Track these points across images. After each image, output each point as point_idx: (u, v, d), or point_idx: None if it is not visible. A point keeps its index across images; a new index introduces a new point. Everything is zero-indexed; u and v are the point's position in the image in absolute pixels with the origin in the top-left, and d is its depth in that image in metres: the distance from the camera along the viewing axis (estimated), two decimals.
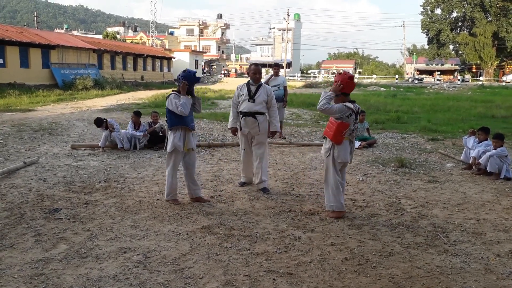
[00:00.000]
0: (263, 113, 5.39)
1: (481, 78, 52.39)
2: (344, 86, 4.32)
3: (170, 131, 4.75)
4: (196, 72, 4.87)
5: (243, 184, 5.64)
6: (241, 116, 5.38)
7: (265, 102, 5.36)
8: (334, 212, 4.43)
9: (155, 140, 8.06)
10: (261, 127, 5.34)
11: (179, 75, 4.73)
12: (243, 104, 5.36)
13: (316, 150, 8.12)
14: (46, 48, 24.63)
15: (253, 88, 5.38)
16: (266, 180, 5.44)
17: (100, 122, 8.08)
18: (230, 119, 5.53)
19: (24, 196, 4.96)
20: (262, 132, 5.37)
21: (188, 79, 4.67)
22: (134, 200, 4.94)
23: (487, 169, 6.25)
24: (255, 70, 5.40)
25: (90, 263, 3.31)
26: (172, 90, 4.82)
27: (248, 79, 5.51)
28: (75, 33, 62.80)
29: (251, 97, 5.32)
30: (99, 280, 3.05)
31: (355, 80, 4.49)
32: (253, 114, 5.30)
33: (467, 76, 56.95)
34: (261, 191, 5.37)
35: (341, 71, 4.58)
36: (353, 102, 4.39)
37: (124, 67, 33.44)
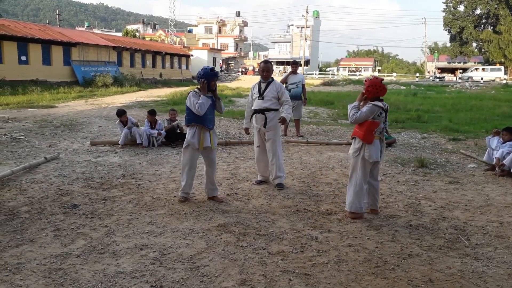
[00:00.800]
0: (273, 110, 5.40)
1: (505, 76, 51.01)
2: (377, 90, 4.25)
3: (188, 128, 4.78)
4: (213, 67, 4.83)
5: (259, 183, 5.62)
6: (253, 113, 5.53)
7: (275, 98, 5.40)
8: (352, 213, 4.36)
9: (173, 138, 8.11)
10: (270, 124, 5.37)
11: (198, 73, 4.72)
12: (254, 102, 5.50)
13: (334, 149, 8.04)
14: (67, 46, 25.12)
15: (263, 85, 5.47)
16: (281, 176, 5.43)
17: (122, 113, 8.21)
18: (245, 119, 5.76)
19: (45, 191, 5.05)
20: (272, 129, 5.39)
21: (206, 76, 4.64)
22: (152, 196, 4.97)
23: (511, 171, 6.07)
24: (263, 67, 5.49)
25: (107, 259, 3.34)
26: (198, 87, 4.79)
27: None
28: (95, 30, 63.78)
29: (261, 94, 5.42)
30: (115, 276, 3.07)
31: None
32: (262, 111, 5.39)
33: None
34: (276, 187, 5.38)
35: (367, 76, 4.53)
36: (381, 100, 4.32)
37: (143, 65, 33.82)
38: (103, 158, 6.92)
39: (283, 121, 5.33)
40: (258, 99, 5.42)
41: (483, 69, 49.45)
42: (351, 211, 4.36)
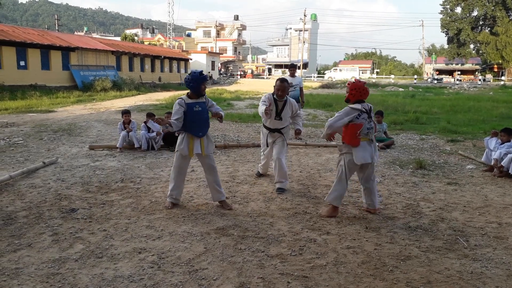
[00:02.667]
0: (287, 125, 5.62)
1: (503, 78, 51.17)
2: (361, 93, 4.36)
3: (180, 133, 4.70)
4: (201, 71, 4.66)
5: (260, 175, 6.11)
6: (268, 131, 5.59)
7: (290, 117, 5.53)
8: (330, 206, 4.53)
9: (171, 141, 8.09)
10: (285, 137, 5.60)
11: (186, 77, 4.56)
12: (270, 121, 5.49)
13: (333, 151, 8.04)
14: (66, 50, 25.12)
15: (280, 104, 5.41)
16: (283, 181, 5.46)
17: (125, 111, 8.50)
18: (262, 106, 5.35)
19: (43, 196, 5.05)
20: (284, 139, 5.60)
21: (195, 81, 4.48)
22: (150, 200, 4.96)
23: (509, 172, 6.07)
24: (278, 86, 5.33)
25: (106, 263, 3.34)
26: (187, 93, 4.66)
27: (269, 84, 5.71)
28: (94, 35, 63.89)
29: (278, 114, 5.41)
30: (113, 280, 3.06)
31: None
32: (279, 130, 5.53)
33: (488, 76, 55.70)
34: (276, 191, 5.40)
35: (352, 80, 4.58)
36: (361, 102, 4.39)
37: (142, 69, 33.84)
38: (102, 162, 6.91)
39: (299, 133, 5.50)
40: (275, 119, 5.40)
41: (340, 70, 61.30)
42: (330, 204, 4.51)
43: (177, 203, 4.74)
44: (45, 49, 23.52)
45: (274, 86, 5.45)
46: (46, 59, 23.75)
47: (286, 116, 5.43)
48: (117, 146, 7.87)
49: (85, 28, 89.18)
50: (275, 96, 5.39)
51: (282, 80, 5.40)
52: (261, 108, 5.20)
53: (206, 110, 4.63)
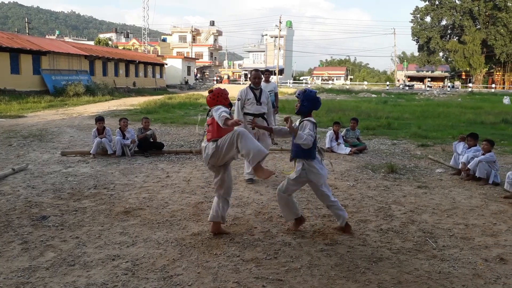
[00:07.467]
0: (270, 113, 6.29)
1: (470, 85, 53.09)
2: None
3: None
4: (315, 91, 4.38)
5: (252, 181, 6.12)
6: (251, 117, 5.84)
7: (266, 104, 6.17)
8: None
9: (146, 146, 8.02)
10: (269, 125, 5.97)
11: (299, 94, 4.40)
12: (251, 107, 6.03)
13: None
14: (37, 54, 24.47)
15: (257, 92, 6.10)
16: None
17: (99, 118, 8.30)
18: (237, 115, 5.98)
19: (12, 203, 4.90)
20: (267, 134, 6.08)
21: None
22: (124, 207, 4.90)
23: (475, 175, 6.31)
24: (255, 75, 6.13)
25: (78, 271, 3.28)
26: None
27: (248, 84, 6.27)
28: (66, 39, 62.43)
29: (258, 100, 6.05)
30: None
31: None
32: (262, 115, 6.11)
33: (457, 83, 57.70)
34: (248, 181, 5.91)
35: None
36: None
37: (116, 74, 33.34)
38: (74, 169, 6.77)
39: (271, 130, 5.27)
40: (257, 104, 6.07)
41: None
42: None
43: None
44: (15, 53, 22.86)
45: (249, 78, 6.26)
46: (16, 63, 23.07)
47: (265, 101, 6.12)
48: (91, 152, 7.72)
49: (57, 32, 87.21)
50: (252, 85, 6.14)
51: (256, 70, 6.29)
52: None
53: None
